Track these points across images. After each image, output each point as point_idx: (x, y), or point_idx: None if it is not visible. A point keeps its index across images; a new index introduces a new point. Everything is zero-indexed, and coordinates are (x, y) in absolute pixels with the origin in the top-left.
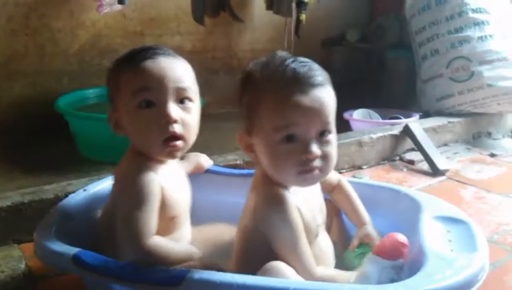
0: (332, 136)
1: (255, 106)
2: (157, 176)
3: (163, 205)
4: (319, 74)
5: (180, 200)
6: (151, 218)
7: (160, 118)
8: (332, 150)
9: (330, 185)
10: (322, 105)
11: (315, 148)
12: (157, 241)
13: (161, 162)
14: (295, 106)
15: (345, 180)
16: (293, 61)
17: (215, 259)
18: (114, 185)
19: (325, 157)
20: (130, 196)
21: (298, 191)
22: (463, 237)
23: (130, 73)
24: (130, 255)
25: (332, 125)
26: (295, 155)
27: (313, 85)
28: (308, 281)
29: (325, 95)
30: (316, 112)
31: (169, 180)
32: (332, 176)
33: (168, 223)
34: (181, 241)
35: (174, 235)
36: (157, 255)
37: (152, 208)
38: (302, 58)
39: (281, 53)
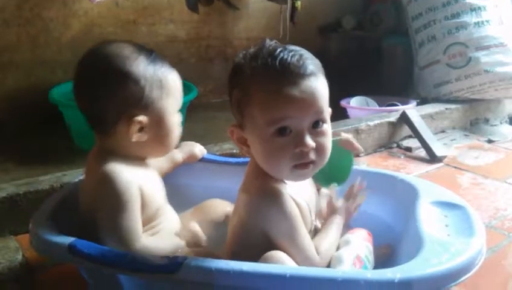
0: (326, 126)
1: (246, 101)
2: (133, 177)
3: (145, 203)
4: (310, 63)
5: (158, 193)
6: (136, 222)
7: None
8: (326, 140)
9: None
10: (314, 95)
11: (309, 140)
12: (145, 244)
13: (137, 161)
14: (287, 98)
15: None
16: (281, 51)
17: (210, 246)
18: (90, 179)
19: (319, 149)
20: (112, 201)
21: (292, 184)
22: (460, 221)
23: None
24: None
25: (326, 115)
26: (289, 148)
27: (304, 75)
28: (304, 267)
29: (317, 85)
30: (309, 103)
31: (145, 179)
32: None
33: (154, 215)
34: (168, 223)
35: (160, 220)
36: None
37: (136, 213)
38: (291, 47)
39: (270, 42)
